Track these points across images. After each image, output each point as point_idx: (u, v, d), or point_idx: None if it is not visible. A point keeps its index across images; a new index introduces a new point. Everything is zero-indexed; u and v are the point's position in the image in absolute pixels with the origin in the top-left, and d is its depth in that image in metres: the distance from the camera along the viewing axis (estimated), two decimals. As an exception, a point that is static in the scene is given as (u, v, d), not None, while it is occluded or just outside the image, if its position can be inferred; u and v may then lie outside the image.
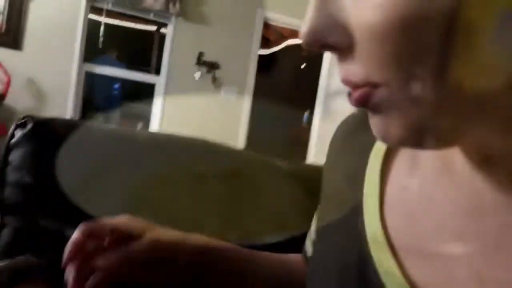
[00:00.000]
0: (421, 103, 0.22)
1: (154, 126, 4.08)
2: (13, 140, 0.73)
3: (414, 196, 0.31)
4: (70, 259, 0.49)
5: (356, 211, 0.33)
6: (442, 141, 0.25)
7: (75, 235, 0.48)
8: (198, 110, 4.11)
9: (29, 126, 0.73)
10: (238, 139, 4.29)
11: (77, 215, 0.74)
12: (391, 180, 0.33)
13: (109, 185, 0.75)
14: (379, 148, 0.35)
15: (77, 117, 3.68)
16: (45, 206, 0.72)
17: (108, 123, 4.41)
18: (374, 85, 0.24)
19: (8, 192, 0.71)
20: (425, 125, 0.23)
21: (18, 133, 0.73)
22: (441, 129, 0.23)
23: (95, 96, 4.51)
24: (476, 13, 0.19)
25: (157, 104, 4.07)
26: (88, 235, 0.47)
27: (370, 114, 0.26)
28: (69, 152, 0.71)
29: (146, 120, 4.21)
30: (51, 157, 0.74)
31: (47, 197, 0.72)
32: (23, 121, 0.74)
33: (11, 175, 0.72)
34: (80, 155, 0.74)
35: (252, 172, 0.81)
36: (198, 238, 0.47)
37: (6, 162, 0.72)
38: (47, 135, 0.73)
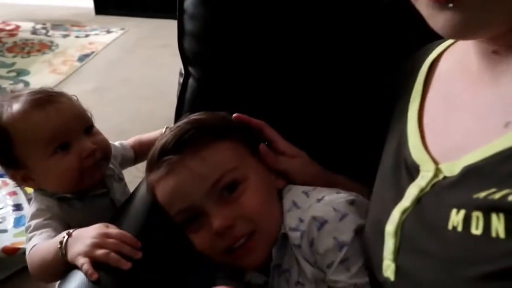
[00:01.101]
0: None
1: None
2: (185, -16, 0.68)
3: (439, 94, 0.47)
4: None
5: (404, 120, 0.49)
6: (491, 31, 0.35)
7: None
8: None
9: (198, -33, 0.66)
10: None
11: (256, 70, 0.70)
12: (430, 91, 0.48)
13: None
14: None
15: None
16: (220, 57, 0.70)
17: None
18: None
19: (187, 42, 0.70)
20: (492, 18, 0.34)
21: (189, -23, 0.68)
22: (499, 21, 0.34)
23: None
24: None
25: None
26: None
27: (442, 10, 0.34)
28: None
29: None
30: (224, 2, 0.68)
31: (221, 48, 0.69)
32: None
33: (188, 24, 0.69)
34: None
35: None
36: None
37: (182, 9, 0.69)
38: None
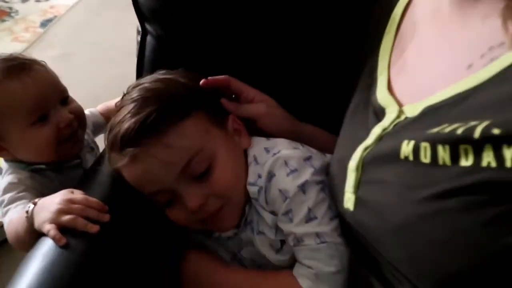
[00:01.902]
0: None
1: None
2: None
3: (409, 37, 0.49)
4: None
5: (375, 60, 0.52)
6: None
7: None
8: None
9: None
10: None
11: (215, 25, 0.67)
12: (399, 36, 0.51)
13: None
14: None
15: None
16: (178, 12, 0.66)
17: None
18: None
19: (142, -3, 0.67)
20: None
21: None
22: None
23: None
24: None
25: None
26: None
27: None
28: None
29: None
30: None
31: (178, 2, 0.65)
32: None
33: (141, -22, 0.66)
34: None
35: None
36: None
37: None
38: None
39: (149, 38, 0.70)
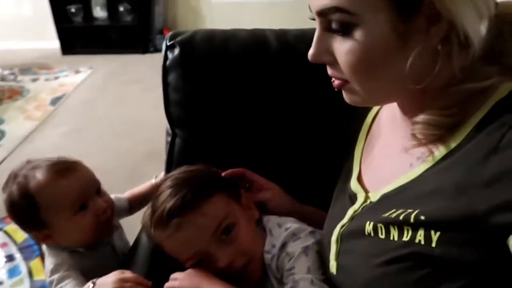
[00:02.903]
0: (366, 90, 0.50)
1: None
2: (167, 63, 0.83)
3: (375, 138, 0.64)
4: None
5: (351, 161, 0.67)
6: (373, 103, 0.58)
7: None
8: None
9: (177, 51, 0.81)
10: None
11: (234, 133, 0.85)
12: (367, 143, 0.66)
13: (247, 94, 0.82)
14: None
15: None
16: (201, 120, 0.84)
17: None
18: (347, 81, 0.50)
19: (173, 108, 0.84)
20: (368, 97, 0.51)
21: (170, 56, 0.83)
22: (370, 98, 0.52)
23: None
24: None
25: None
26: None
27: (343, 92, 0.52)
28: (213, 69, 0.79)
29: None
30: (201, 77, 0.83)
31: (201, 112, 0.83)
32: (171, 43, 0.83)
33: (172, 94, 0.84)
34: (221, 71, 0.81)
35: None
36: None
37: (166, 82, 0.84)
38: (193, 59, 0.81)
39: (177, 139, 0.86)
